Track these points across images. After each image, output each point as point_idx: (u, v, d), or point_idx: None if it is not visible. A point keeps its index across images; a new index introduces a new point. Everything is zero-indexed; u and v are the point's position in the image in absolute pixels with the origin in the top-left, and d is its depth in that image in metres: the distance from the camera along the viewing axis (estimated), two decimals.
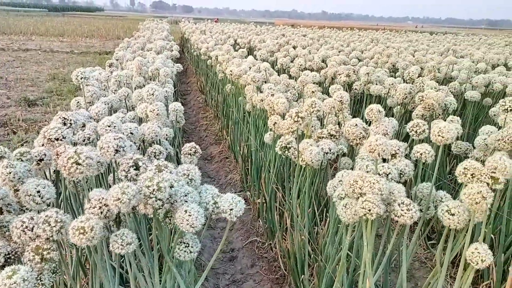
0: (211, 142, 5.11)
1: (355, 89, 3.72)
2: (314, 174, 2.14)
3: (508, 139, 1.95)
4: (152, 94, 2.06)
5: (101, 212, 1.06)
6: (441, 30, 36.61)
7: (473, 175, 1.32)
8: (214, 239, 3.07)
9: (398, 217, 1.30)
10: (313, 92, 2.40)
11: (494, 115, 3.15)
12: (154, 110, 2.06)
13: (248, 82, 2.82)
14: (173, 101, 5.77)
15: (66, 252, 1.66)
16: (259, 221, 2.90)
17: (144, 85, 3.20)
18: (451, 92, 3.70)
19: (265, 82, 3.27)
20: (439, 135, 1.42)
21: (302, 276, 1.91)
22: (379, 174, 1.48)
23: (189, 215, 1.08)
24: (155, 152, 1.76)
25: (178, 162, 3.54)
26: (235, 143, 3.85)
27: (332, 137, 2.02)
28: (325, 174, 2.13)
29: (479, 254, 1.29)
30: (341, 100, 2.15)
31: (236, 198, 1.18)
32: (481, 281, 2.29)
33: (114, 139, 1.24)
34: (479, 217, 1.34)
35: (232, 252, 2.91)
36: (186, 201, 1.13)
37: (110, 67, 3.84)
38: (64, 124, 1.47)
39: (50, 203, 1.10)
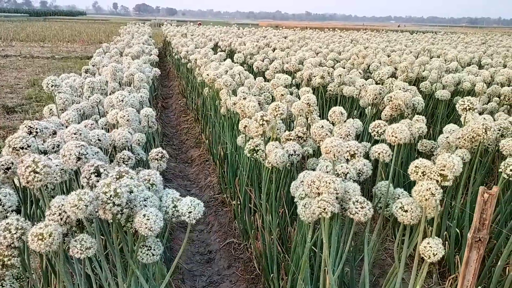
0: (192, 145, 5.14)
1: (330, 90, 3.79)
2: (286, 175, 2.19)
3: (467, 137, 2.03)
4: (122, 100, 2.09)
5: (61, 219, 1.09)
6: (421, 29, 37.13)
7: (424, 173, 1.38)
8: (192, 242, 3.11)
9: (353, 214, 1.36)
10: (282, 95, 2.46)
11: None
12: (124, 116, 2.09)
13: (221, 86, 2.86)
14: (154, 104, 5.78)
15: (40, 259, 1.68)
16: (235, 222, 2.95)
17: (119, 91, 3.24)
18: (423, 92, 3.80)
19: (242, 85, 3.32)
20: (392, 136, 1.49)
21: (271, 275, 1.96)
22: (337, 174, 1.54)
23: (147, 219, 1.12)
24: (123, 158, 1.79)
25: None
26: (213, 146, 3.89)
27: (300, 138, 2.07)
28: (293, 175, 2.18)
29: (431, 248, 1.36)
30: (308, 103, 2.21)
31: (195, 202, 1.23)
32: (448, 275, 2.37)
33: (76, 146, 1.28)
34: (431, 213, 1.41)
35: (209, 254, 2.95)
36: (145, 206, 1.17)
37: (86, 73, 3.85)
38: (30, 133, 1.50)
39: (11, 210, 1.12)
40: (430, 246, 1.36)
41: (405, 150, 2.77)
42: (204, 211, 3.62)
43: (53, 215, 1.08)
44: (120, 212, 1.12)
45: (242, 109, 2.45)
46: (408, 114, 2.90)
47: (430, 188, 1.32)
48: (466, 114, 2.16)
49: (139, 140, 2.23)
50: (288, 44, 7.94)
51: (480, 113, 3.21)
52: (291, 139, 2.05)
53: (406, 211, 1.40)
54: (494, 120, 2.82)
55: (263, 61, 5.60)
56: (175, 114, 6.91)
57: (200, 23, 28.24)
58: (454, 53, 5.97)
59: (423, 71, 4.16)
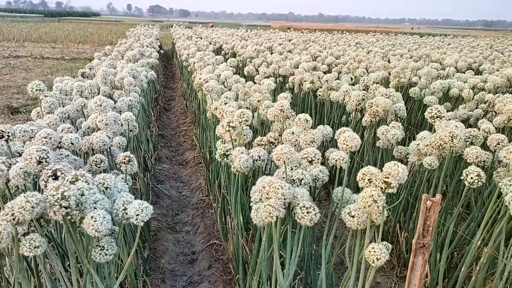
0: (188, 148, 5.23)
1: (319, 95, 3.84)
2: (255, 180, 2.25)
3: (435, 145, 2.07)
4: (100, 105, 2.17)
5: (14, 219, 1.17)
6: (435, 32, 36.84)
7: (370, 180, 1.43)
8: (178, 242, 3.18)
9: (299, 219, 1.41)
10: (259, 101, 2.52)
11: (449, 119, 3.28)
12: (102, 120, 2.17)
13: (204, 91, 2.94)
14: (154, 106, 5.87)
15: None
16: (217, 224, 3.01)
17: (110, 95, 3.33)
18: (413, 97, 3.83)
19: (230, 90, 3.39)
20: (344, 144, 1.54)
21: (237, 276, 2.02)
22: (293, 180, 1.59)
23: (95, 221, 1.19)
24: (96, 161, 1.87)
25: (147, 169, 3.65)
26: (204, 148, 3.97)
27: (272, 144, 2.13)
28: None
29: (375, 253, 1.41)
30: (281, 109, 2.27)
31: (143, 205, 1.30)
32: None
33: (37, 151, 1.35)
34: (378, 219, 1.46)
35: (193, 254, 3.02)
36: (95, 208, 1.24)
37: (82, 76, 3.95)
38: (1, 137, 1.58)
39: None
40: (374, 251, 1.41)
41: (386, 156, 2.81)
42: (192, 213, 3.68)
43: (6, 215, 1.16)
44: (69, 213, 1.19)
45: (221, 114, 2.52)
46: (391, 120, 2.94)
47: (373, 195, 1.37)
48: (434, 122, 2.19)
49: (119, 143, 2.30)
50: (290, 47, 8.00)
51: (464, 120, 3.25)
52: (262, 144, 2.11)
53: (353, 216, 1.46)
54: (477, 126, 2.85)
55: (261, 64, 5.68)
56: (176, 116, 7.01)
57: (212, 25, 28.42)
58: (454, 58, 5.96)
59: (414, 76, 4.18)
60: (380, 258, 1.40)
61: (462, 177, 1.87)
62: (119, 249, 1.74)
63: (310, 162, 1.68)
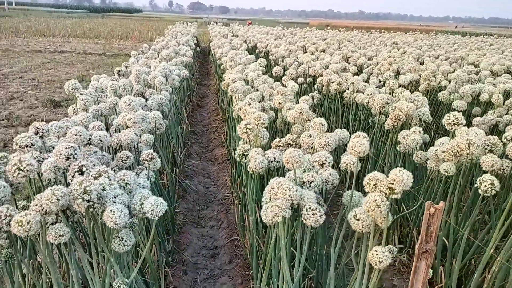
0: (217, 145, 5.36)
1: (345, 97, 3.86)
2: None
3: (451, 151, 2.08)
4: (129, 104, 2.31)
5: (42, 209, 1.30)
6: (480, 31, 35.54)
7: (375, 185, 1.48)
8: (202, 237, 3.31)
9: (305, 220, 1.48)
10: (280, 103, 2.59)
11: (477, 124, 3.24)
12: (131, 118, 2.31)
13: (229, 91, 3.04)
14: (186, 104, 6.04)
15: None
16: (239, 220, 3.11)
17: (142, 93, 3.49)
18: (442, 101, 3.79)
19: (257, 90, 3.48)
20: (352, 149, 1.59)
21: (251, 271, 2.11)
22: (303, 182, 1.66)
23: (113, 214, 1.31)
24: (122, 158, 2.00)
25: (175, 165, 3.80)
26: (231, 146, 4.08)
27: (290, 145, 2.20)
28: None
29: (378, 256, 1.46)
30: (301, 112, 2.34)
31: (158, 201, 1.40)
32: (434, 284, 2.41)
33: (66, 148, 1.49)
34: (382, 223, 1.50)
35: (215, 249, 3.13)
36: (114, 202, 1.36)
37: (118, 74, 4.15)
38: (36, 133, 1.73)
39: (5, 201, 1.35)
40: (377, 254, 1.46)
41: (408, 160, 2.82)
42: (217, 208, 3.80)
43: (36, 206, 1.29)
44: (91, 206, 1.31)
45: (244, 115, 2.61)
46: (416, 124, 2.94)
47: (376, 200, 1.42)
48: (452, 129, 2.20)
49: (146, 140, 2.44)
50: (323, 47, 7.99)
51: (493, 126, 3.19)
52: (280, 145, 2.18)
53: (358, 219, 1.51)
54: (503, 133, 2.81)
55: (292, 64, 5.74)
56: (208, 113, 7.17)
57: (250, 22, 28.58)
58: (492, 61, 5.80)
59: (445, 80, 4.12)
60: (382, 261, 1.45)
61: (476, 185, 1.88)
62: (141, 241, 1.87)
63: (321, 165, 1.74)
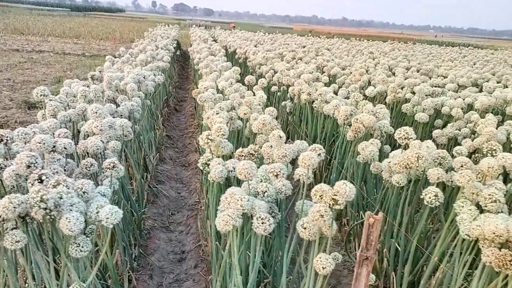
0: (192, 150, 5.42)
1: (315, 107, 3.98)
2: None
3: (402, 164, 2.21)
4: (96, 112, 2.37)
5: None
6: (459, 41, 36.42)
7: (321, 196, 1.59)
8: (170, 241, 3.37)
9: (255, 228, 1.58)
10: (245, 114, 2.68)
11: (436, 137, 3.40)
12: (97, 126, 2.37)
13: (200, 100, 3.12)
14: (161, 109, 6.07)
15: None
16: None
17: (113, 99, 3.54)
18: (405, 113, 3.95)
19: (228, 99, 3.57)
20: (302, 162, 1.70)
21: (209, 276, 2.19)
22: (257, 192, 1.76)
23: (69, 221, 1.38)
24: (86, 165, 2.06)
25: (146, 170, 3.85)
26: (203, 153, 4.15)
27: (252, 155, 2.30)
28: None
29: (322, 262, 1.56)
30: (263, 123, 2.43)
31: (113, 209, 1.48)
32: None
33: (27, 156, 1.55)
34: (327, 232, 1.61)
35: (182, 253, 3.20)
36: (71, 210, 1.42)
37: (92, 79, 4.18)
38: (1, 140, 1.78)
39: None
40: (321, 260, 1.56)
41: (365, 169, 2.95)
42: (187, 213, 3.86)
43: None
44: (48, 214, 1.38)
45: (211, 124, 2.69)
46: (377, 136, 3.07)
47: (320, 210, 1.53)
48: (403, 143, 2.33)
49: (113, 147, 2.50)
50: (300, 55, 8.14)
51: (451, 139, 3.35)
52: (243, 155, 2.27)
53: (305, 228, 1.62)
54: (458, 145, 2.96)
55: (268, 72, 5.86)
56: (186, 118, 7.22)
57: (234, 26, 28.69)
58: (460, 73, 6.03)
59: (410, 93, 4.29)
60: (325, 267, 1.55)
61: (421, 196, 2.01)
62: (102, 246, 1.93)
63: (276, 176, 1.84)
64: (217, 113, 2.87)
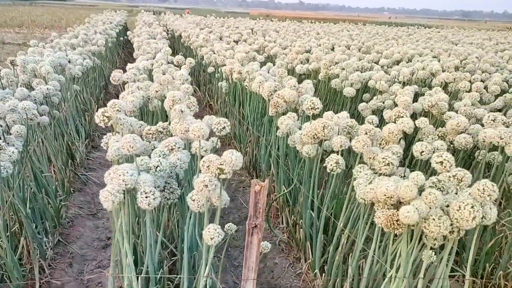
0: None
1: (246, 85, 3.94)
2: None
3: (310, 134, 2.21)
4: None
5: None
6: (412, 22, 37.34)
7: (209, 166, 1.55)
8: (96, 228, 3.26)
9: (139, 203, 1.52)
10: (156, 91, 2.61)
11: (362, 110, 3.44)
12: None
13: (114, 80, 3.03)
14: (104, 93, 5.84)
15: None
16: None
17: (29, 83, 3.37)
18: (336, 88, 3.99)
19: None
20: (192, 133, 1.65)
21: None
22: (150, 167, 1.70)
23: None
24: None
25: (70, 157, 3.71)
26: None
27: (160, 133, 2.24)
28: None
29: (210, 233, 1.53)
30: (173, 99, 2.37)
31: None
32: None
33: None
34: (216, 202, 1.58)
35: (108, 240, 3.11)
36: None
37: (11, 63, 3.96)
38: None
39: None
40: (209, 231, 1.53)
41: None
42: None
43: None
44: None
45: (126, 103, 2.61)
46: (302, 111, 3.07)
47: (204, 181, 1.49)
48: (310, 113, 2.33)
49: (17, 132, 2.37)
50: (245, 36, 8.07)
51: (374, 112, 3.41)
52: (151, 133, 2.21)
53: (193, 200, 1.58)
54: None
55: (208, 53, 5.77)
56: None
57: (188, 11, 28.11)
58: (397, 50, 6.15)
59: (341, 68, 4.33)
60: (213, 238, 1.53)
61: (324, 164, 2.02)
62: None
63: (171, 150, 1.79)
64: (132, 92, 2.78)
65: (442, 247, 1.67)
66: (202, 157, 1.82)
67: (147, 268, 1.76)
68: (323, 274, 2.21)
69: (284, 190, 2.93)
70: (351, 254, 2.05)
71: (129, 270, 1.63)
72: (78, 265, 2.79)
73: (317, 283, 2.30)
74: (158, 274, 1.84)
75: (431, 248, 1.64)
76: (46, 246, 2.68)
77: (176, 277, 2.00)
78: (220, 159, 1.55)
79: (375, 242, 1.82)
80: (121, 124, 2.03)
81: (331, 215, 2.48)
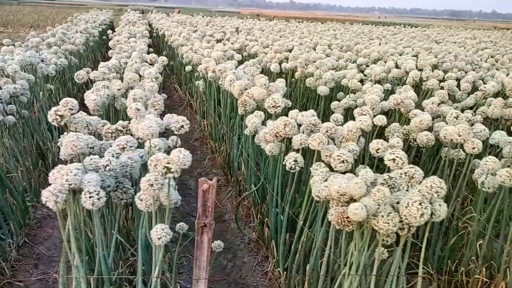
0: None
1: (220, 84, 3.93)
2: None
3: (272, 132, 2.21)
4: None
5: None
6: (402, 21, 37.53)
7: (156, 165, 1.53)
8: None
9: (83, 203, 1.50)
10: (118, 90, 2.59)
11: (334, 108, 3.44)
12: None
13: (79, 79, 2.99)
14: (82, 92, 5.78)
15: None
16: None
17: None
18: (311, 87, 3.98)
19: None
20: (141, 131, 1.63)
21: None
22: (99, 167, 1.68)
23: None
24: None
25: (41, 156, 3.67)
26: None
27: (120, 132, 2.21)
28: None
29: (157, 233, 1.51)
30: (134, 98, 2.35)
31: None
32: (262, 254, 2.54)
33: None
34: (165, 201, 1.56)
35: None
36: None
37: None
38: None
39: None
40: (156, 231, 1.51)
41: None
42: None
43: None
44: None
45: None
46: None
47: (149, 180, 1.47)
48: (272, 111, 2.32)
49: None
50: (228, 35, 8.06)
51: (346, 110, 3.41)
52: (110, 132, 2.19)
53: (141, 200, 1.56)
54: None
55: (187, 51, 5.75)
56: None
57: (178, 11, 27.96)
58: (377, 49, 6.17)
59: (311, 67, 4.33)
60: (161, 238, 1.51)
61: (284, 162, 2.01)
62: None
63: (123, 149, 1.77)
64: (96, 91, 2.75)
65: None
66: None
67: (99, 268, 1.74)
68: (285, 272, 2.21)
69: (253, 189, 2.92)
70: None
71: (77, 272, 1.60)
72: (44, 266, 2.76)
73: (281, 281, 2.29)
74: (112, 275, 1.81)
75: (386, 246, 1.64)
76: (10, 247, 2.64)
77: (131, 278, 1.98)
78: (168, 158, 1.53)
79: (330, 239, 1.81)
80: (75, 123, 2.00)
81: (298, 213, 2.47)
